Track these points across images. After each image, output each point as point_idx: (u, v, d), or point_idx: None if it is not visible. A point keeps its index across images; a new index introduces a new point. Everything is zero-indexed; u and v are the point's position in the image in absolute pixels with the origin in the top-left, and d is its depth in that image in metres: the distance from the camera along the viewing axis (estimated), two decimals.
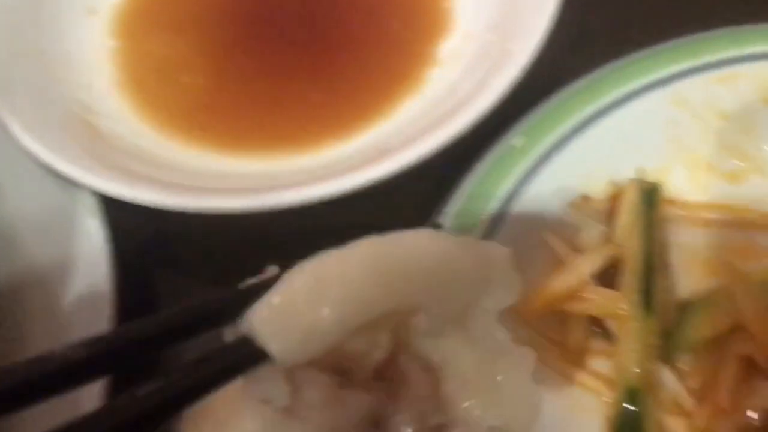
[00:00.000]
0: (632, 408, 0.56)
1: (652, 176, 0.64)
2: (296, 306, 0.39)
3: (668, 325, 0.59)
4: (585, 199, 0.63)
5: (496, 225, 0.60)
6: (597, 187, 0.64)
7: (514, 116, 0.65)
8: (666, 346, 0.58)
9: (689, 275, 0.62)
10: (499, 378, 0.46)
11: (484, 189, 0.61)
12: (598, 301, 0.59)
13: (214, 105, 0.71)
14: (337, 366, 0.43)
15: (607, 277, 0.60)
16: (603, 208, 0.63)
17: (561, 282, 0.59)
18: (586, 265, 0.59)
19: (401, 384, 0.45)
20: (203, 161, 0.68)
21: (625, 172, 0.64)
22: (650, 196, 0.62)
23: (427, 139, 0.59)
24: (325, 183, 0.58)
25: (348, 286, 0.39)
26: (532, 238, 0.61)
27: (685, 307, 0.59)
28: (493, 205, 0.61)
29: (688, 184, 0.65)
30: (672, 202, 0.64)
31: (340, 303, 0.39)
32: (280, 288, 0.39)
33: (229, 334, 0.41)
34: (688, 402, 0.57)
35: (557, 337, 0.60)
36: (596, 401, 0.58)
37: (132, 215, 0.63)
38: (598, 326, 0.60)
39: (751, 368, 0.56)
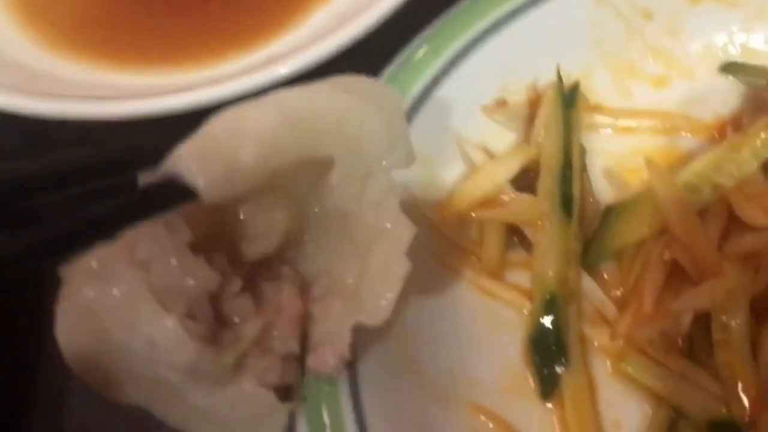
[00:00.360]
0: (551, 318, 0.53)
1: (573, 80, 0.60)
2: (219, 144, 0.40)
3: (590, 232, 0.56)
4: (501, 103, 0.59)
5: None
6: (515, 91, 0.60)
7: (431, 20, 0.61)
8: (588, 253, 0.55)
9: (612, 181, 0.59)
10: (371, 270, 0.45)
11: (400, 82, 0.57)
12: (516, 206, 0.55)
13: (108, 19, 0.66)
14: (213, 240, 0.42)
15: (529, 183, 0.57)
16: (520, 113, 0.59)
17: (476, 187, 0.55)
18: (503, 169, 0.56)
19: (267, 298, 0.45)
20: (96, 77, 0.62)
21: (545, 76, 0.60)
22: (570, 97, 0.58)
23: (328, 41, 0.55)
24: (217, 87, 0.53)
25: (265, 128, 0.41)
26: (446, 146, 0.58)
27: (607, 213, 0.56)
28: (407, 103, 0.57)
29: (611, 88, 0.62)
30: (594, 107, 0.61)
31: (259, 141, 0.40)
32: (202, 130, 0.40)
33: (145, 177, 0.41)
34: (611, 311, 0.54)
35: (474, 248, 0.56)
36: (515, 314, 0.55)
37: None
38: (518, 237, 0.57)
39: (674, 273, 0.54)
